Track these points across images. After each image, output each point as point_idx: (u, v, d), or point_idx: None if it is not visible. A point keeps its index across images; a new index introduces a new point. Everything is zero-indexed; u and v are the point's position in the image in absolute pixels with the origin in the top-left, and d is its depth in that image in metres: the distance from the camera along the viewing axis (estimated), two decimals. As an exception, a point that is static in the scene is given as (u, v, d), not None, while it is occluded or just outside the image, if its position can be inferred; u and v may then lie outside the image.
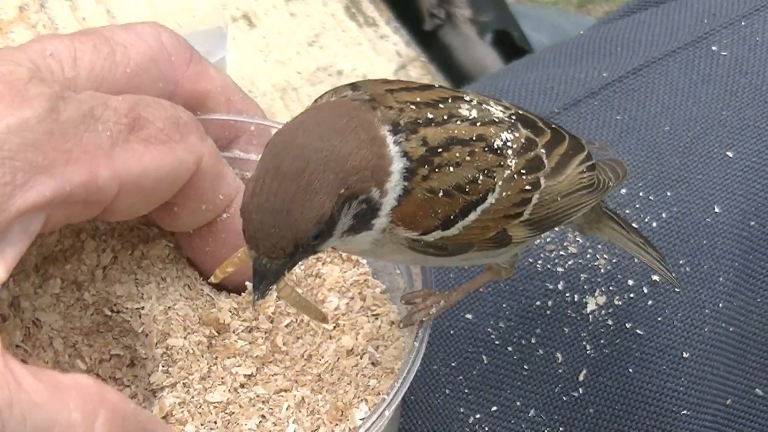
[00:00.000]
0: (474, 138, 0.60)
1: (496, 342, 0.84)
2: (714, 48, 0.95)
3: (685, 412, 0.84)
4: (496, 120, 0.62)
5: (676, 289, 0.86)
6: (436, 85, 0.65)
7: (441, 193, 0.59)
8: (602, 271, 0.87)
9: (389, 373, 0.68)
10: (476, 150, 0.60)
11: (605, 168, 0.70)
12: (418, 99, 0.61)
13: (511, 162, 0.61)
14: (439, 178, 0.59)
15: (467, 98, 0.63)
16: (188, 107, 0.69)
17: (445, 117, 0.60)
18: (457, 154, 0.59)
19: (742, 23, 0.96)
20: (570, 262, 0.87)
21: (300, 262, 0.60)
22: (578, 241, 0.88)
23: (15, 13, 1.18)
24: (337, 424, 0.66)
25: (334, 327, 0.71)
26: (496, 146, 0.61)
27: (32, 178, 0.56)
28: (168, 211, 0.67)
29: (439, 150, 0.59)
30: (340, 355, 0.69)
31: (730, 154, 0.91)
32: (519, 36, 1.43)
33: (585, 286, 0.86)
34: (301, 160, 0.54)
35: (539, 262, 0.86)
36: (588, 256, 0.87)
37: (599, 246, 0.87)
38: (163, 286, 0.70)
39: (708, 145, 0.91)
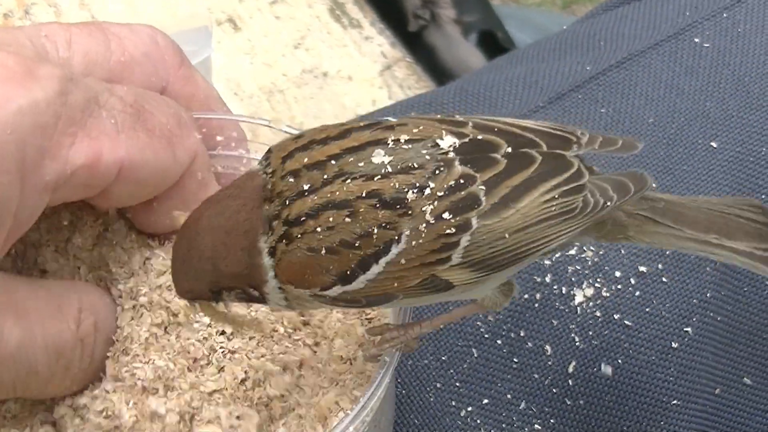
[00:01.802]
0: (363, 195, 0.57)
1: (486, 335, 0.84)
2: (696, 40, 0.96)
3: (674, 402, 0.84)
4: (416, 165, 0.58)
5: (663, 279, 0.86)
6: (367, 126, 0.61)
7: (324, 251, 0.57)
8: (589, 263, 0.87)
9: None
10: (361, 209, 0.57)
11: (606, 185, 0.62)
12: (306, 162, 0.59)
13: (424, 209, 0.57)
14: (307, 242, 0.57)
15: (392, 138, 0.59)
16: None
17: (329, 178, 0.58)
18: (331, 219, 0.57)
19: (724, 15, 0.97)
20: (557, 255, 0.87)
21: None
22: (565, 233, 0.88)
23: (0, 20, 1.18)
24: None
25: (323, 333, 0.71)
26: (395, 199, 0.57)
27: (39, 161, 0.56)
28: (147, 207, 0.67)
29: (302, 219, 0.57)
30: (331, 359, 0.69)
31: (714, 144, 0.91)
32: (503, 36, 1.44)
33: (572, 278, 0.86)
34: (189, 244, 0.60)
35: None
36: (575, 248, 0.87)
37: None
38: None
39: (692, 136, 0.92)
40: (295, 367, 0.68)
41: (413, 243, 0.57)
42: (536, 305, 0.86)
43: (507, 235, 0.59)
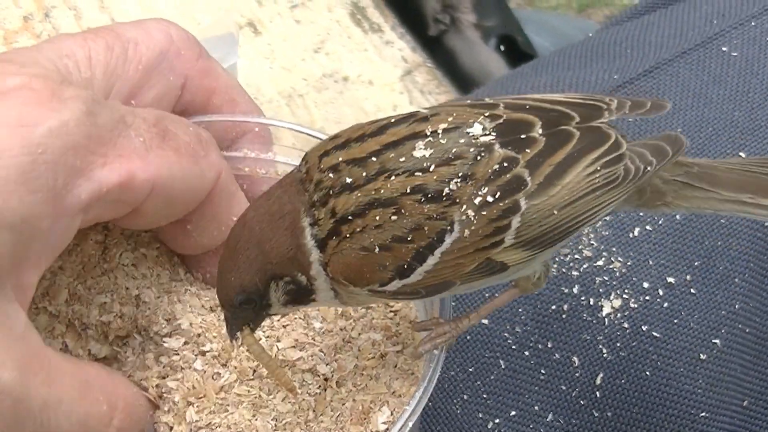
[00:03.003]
0: (407, 191, 0.58)
1: (513, 347, 0.84)
2: (724, 49, 0.95)
3: (703, 414, 0.83)
4: (456, 155, 0.59)
5: (692, 291, 0.86)
6: (401, 120, 0.62)
7: (377, 249, 0.58)
8: (617, 274, 0.86)
9: (409, 375, 0.68)
10: (406, 205, 0.58)
11: (644, 151, 0.63)
12: (345, 158, 0.60)
13: (471, 196, 0.58)
14: (357, 241, 0.58)
15: (430, 130, 0.60)
16: (196, 102, 0.70)
17: (371, 175, 0.59)
18: (378, 217, 0.58)
19: (752, 23, 0.96)
20: (585, 266, 0.86)
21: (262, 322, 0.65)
22: (593, 244, 0.87)
23: (20, 23, 1.18)
24: (361, 428, 0.65)
25: (353, 327, 0.71)
26: (438, 192, 0.58)
27: (72, 181, 0.56)
28: (182, 229, 0.68)
29: (350, 218, 0.58)
30: (360, 355, 0.69)
31: (742, 154, 0.91)
32: (523, 40, 1.43)
33: (600, 290, 0.86)
34: (238, 236, 0.62)
35: (554, 266, 0.86)
36: (603, 259, 0.87)
37: (614, 249, 0.87)
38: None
39: (720, 146, 0.91)
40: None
41: (466, 231, 0.58)
42: (564, 316, 0.85)
43: (555, 212, 0.60)
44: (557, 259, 0.86)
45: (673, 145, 0.64)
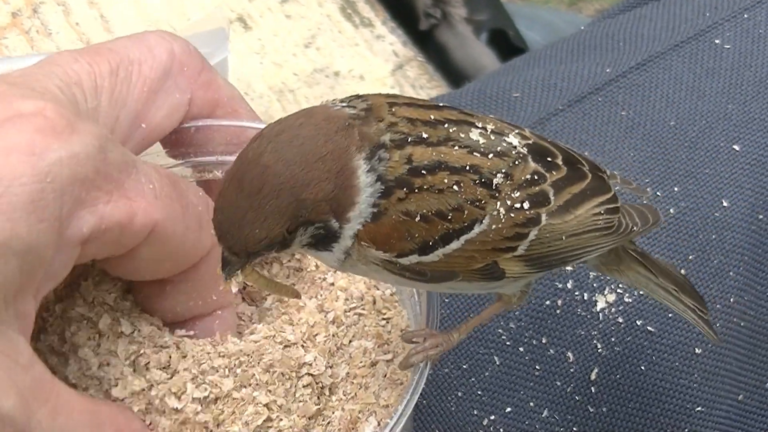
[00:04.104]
0: (467, 167, 0.58)
1: (507, 343, 0.83)
2: (717, 41, 0.95)
3: (698, 408, 0.83)
4: (502, 152, 0.60)
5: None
6: (450, 107, 0.62)
7: (418, 218, 0.57)
8: (611, 268, 0.86)
9: (398, 385, 0.67)
10: (465, 180, 0.58)
11: (632, 212, 0.67)
12: (417, 116, 0.59)
13: (507, 194, 0.59)
14: (417, 201, 0.57)
15: (480, 124, 0.61)
16: (200, 116, 0.69)
17: (441, 138, 0.59)
18: (445, 180, 0.58)
19: (745, 15, 0.96)
20: (579, 260, 0.86)
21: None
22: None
23: (8, 19, 1.17)
24: None
25: (344, 334, 0.70)
26: (488, 181, 0.59)
27: (76, 212, 0.56)
28: (160, 288, 0.66)
29: (423, 171, 0.57)
30: (351, 362, 0.68)
31: (736, 147, 0.90)
32: (515, 34, 1.42)
33: (594, 284, 0.85)
34: (259, 180, 0.56)
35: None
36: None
37: (608, 243, 0.86)
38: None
39: (714, 139, 0.90)
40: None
41: (493, 226, 0.59)
42: (558, 312, 0.85)
43: (564, 237, 0.62)
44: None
45: (653, 216, 0.68)
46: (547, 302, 0.85)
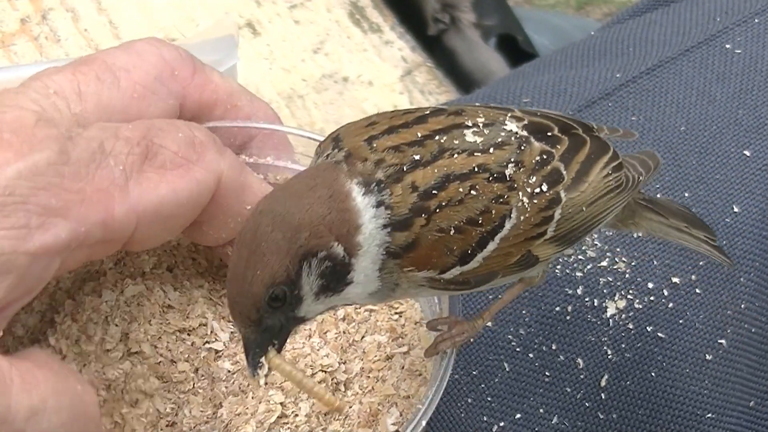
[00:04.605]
0: (475, 169, 0.58)
1: (517, 349, 0.83)
2: (728, 46, 0.94)
3: (709, 415, 0.83)
4: (503, 141, 0.60)
5: (697, 291, 0.85)
6: (436, 111, 0.61)
7: (452, 231, 0.57)
8: (622, 274, 0.85)
9: (417, 376, 0.67)
10: (478, 182, 0.57)
11: (634, 162, 0.67)
12: (401, 141, 0.58)
13: (524, 182, 0.59)
14: (442, 218, 0.56)
15: (470, 122, 0.60)
16: (197, 118, 0.68)
17: (435, 153, 0.58)
18: (460, 189, 0.57)
19: (756, 20, 0.95)
20: (589, 267, 0.85)
21: (288, 337, 0.59)
22: (597, 245, 0.87)
23: (17, 26, 1.17)
24: (370, 430, 0.65)
25: (356, 330, 0.70)
26: (501, 173, 0.58)
27: (47, 221, 0.54)
28: (197, 229, 0.65)
29: (434, 192, 0.56)
30: (365, 357, 0.68)
31: (747, 153, 0.90)
32: (523, 39, 1.42)
33: (605, 290, 0.85)
34: (254, 224, 0.55)
35: (558, 267, 0.85)
36: (607, 259, 0.86)
37: (618, 249, 0.86)
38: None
39: (725, 144, 0.90)
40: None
41: (521, 217, 0.59)
42: (568, 318, 0.84)
43: (584, 208, 0.62)
44: (561, 260, 0.86)
45: (653, 161, 0.69)
46: (557, 308, 0.84)
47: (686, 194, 0.88)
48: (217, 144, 0.65)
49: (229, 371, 0.68)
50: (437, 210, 0.56)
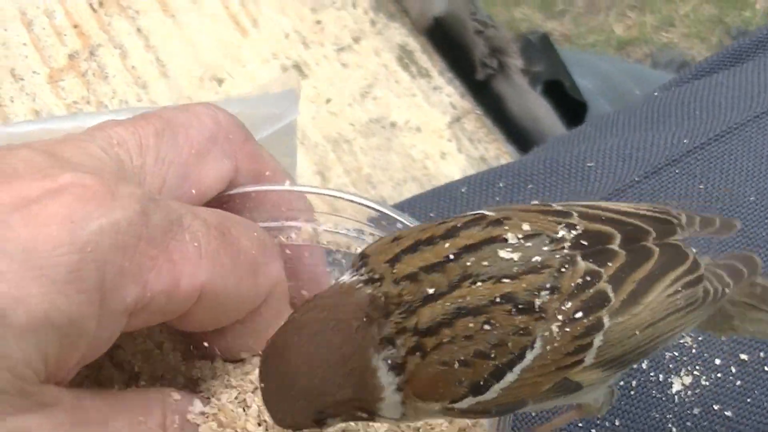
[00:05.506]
0: (496, 300, 0.53)
1: (580, 425, 0.80)
2: (798, 113, 0.92)
3: (775, 498, 0.80)
4: (542, 262, 0.54)
5: (765, 369, 0.82)
6: (473, 220, 0.56)
7: (456, 364, 0.53)
8: (688, 349, 0.83)
9: None
10: (496, 315, 0.53)
11: (721, 273, 0.60)
12: (423, 263, 0.54)
13: (556, 310, 0.53)
14: (443, 354, 0.53)
15: (511, 234, 0.55)
16: (244, 184, 0.67)
17: (454, 282, 0.53)
18: (470, 325, 0.52)
19: (827, 87, 0.93)
20: (654, 340, 0.83)
21: None
22: (663, 317, 0.84)
23: (65, 61, 1.15)
24: None
25: None
26: (529, 303, 0.53)
27: (119, 282, 0.53)
28: (219, 335, 0.64)
29: (436, 328, 0.53)
30: None
31: (819, 226, 0.88)
32: (570, 85, 1.40)
33: (670, 365, 0.82)
34: (285, 378, 0.55)
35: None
36: (673, 333, 0.83)
37: (684, 323, 0.84)
38: None
39: (796, 216, 0.88)
40: None
41: (548, 347, 0.54)
42: (632, 393, 0.82)
43: (638, 332, 0.56)
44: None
45: (748, 266, 0.61)
46: (621, 383, 0.82)
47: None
48: (280, 258, 0.64)
49: None
50: (435, 347, 0.53)
